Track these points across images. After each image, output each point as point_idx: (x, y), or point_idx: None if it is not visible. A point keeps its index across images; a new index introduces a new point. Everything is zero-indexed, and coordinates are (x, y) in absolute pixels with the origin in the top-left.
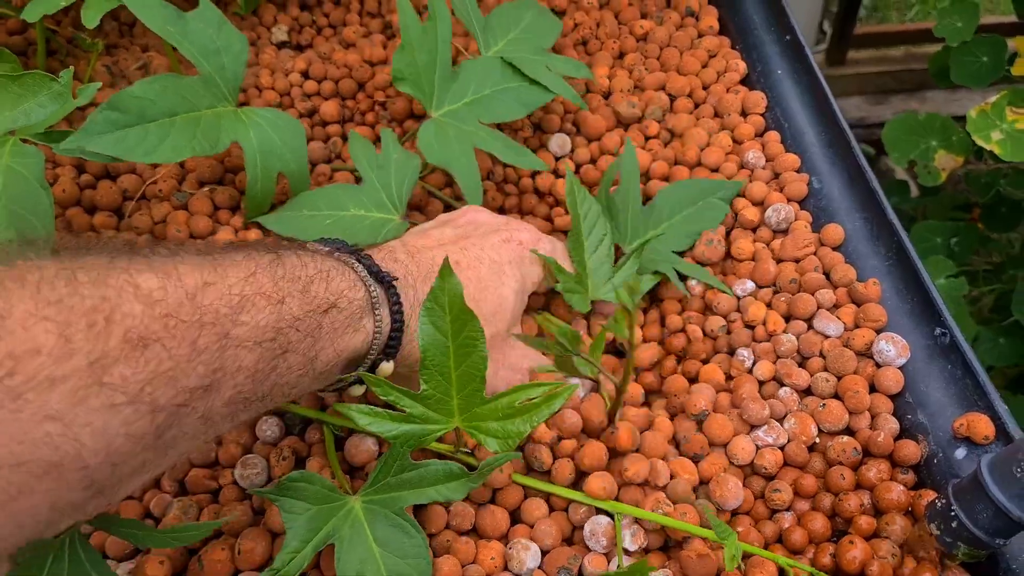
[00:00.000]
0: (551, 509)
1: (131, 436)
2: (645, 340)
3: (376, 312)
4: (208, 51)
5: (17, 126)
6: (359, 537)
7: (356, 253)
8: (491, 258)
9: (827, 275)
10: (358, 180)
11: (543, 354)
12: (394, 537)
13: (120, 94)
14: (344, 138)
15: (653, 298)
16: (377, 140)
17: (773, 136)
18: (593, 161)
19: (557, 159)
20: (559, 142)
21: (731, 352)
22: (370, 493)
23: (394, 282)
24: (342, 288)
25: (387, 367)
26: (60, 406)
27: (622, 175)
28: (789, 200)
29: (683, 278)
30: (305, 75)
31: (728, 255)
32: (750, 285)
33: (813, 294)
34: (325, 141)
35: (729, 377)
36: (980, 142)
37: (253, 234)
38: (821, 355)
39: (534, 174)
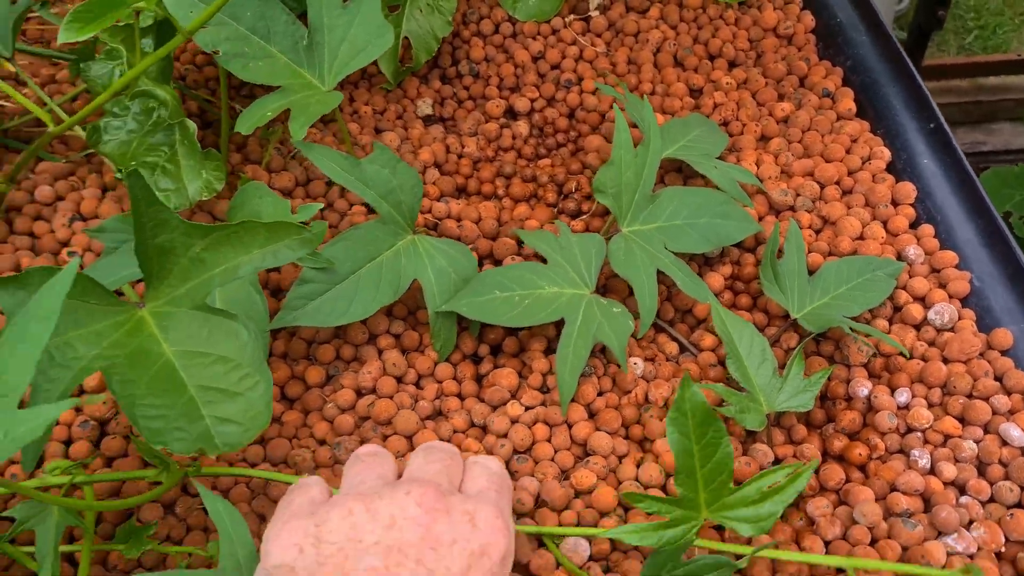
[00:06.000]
0: None
1: None
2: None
3: None
4: (385, 191)
5: (265, 266)
6: None
7: None
8: None
9: (998, 380)
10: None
11: None
12: None
13: (305, 271)
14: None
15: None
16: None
17: (927, 230)
18: (752, 250)
19: (707, 259)
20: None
21: (903, 452)
22: None
23: None
24: None
25: None
26: None
27: (787, 247)
28: (951, 298)
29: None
30: (460, 156)
31: (887, 355)
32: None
33: (988, 400)
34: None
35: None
36: None
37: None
38: (1001, 463)
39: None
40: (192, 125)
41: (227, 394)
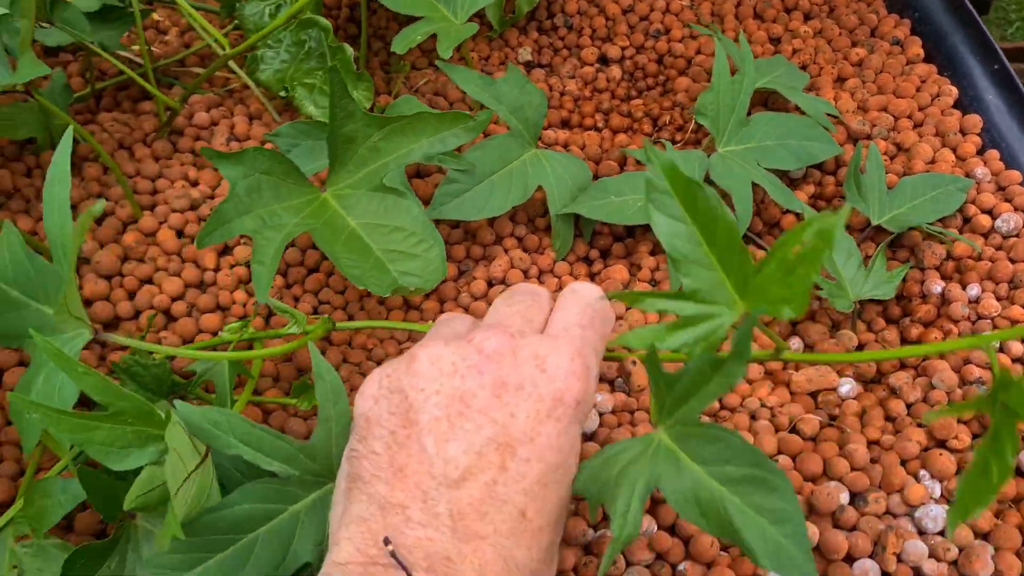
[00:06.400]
0: None
1: None
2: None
3: None
4: (514, 108)
5: (433, 152)
6: (678, 468)
7: None
8: (552, 465)
9: None
10: None
11: None
12: (708, 450)
13: (451, 172)
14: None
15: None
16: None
17: (993, 154)
18: (833, 172)
19: (791, 180)
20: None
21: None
22: (666, 420)
23: None
24: None
25: None
26: None
27: (868, 164)
28: (1016, 210)
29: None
30: (562, 94)
31: (958, 258)
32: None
33: None
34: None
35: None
36: None
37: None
38: None
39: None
40: (350, 49)
41: (407, 255)
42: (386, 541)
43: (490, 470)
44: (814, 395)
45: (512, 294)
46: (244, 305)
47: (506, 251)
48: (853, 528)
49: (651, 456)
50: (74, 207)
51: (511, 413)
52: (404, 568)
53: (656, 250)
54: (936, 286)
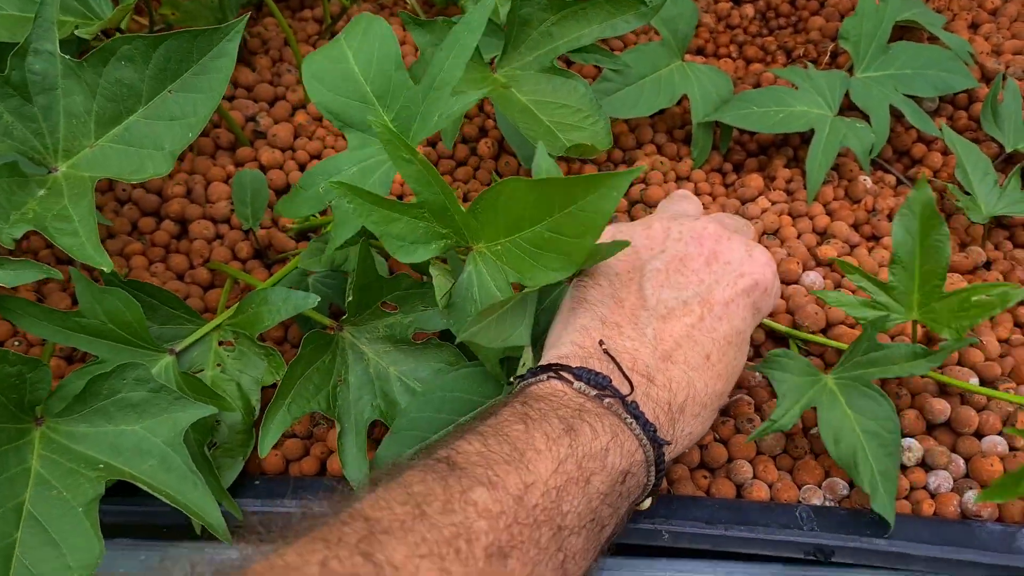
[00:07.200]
0: None
1: None
2: None
3: (649, 472)
4: (667, 17)
5: (603, 36)
6: (835, 405)
7: (627, 405)
8: (737, 329)
9: None
10: None
11: None
12: (865, 404)
13: (606, 72)
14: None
15: None
16: None
17: None
18: (966, 108)
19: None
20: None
21: None
22: (840, 372)
23: (664, 447)
24: (631, 451)
25: (645, 504)
26: None
27: (1006, 95)
28: None
29: None
30: (698, 25)
31: None
32: None
33: None
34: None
35: None
36: None
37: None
38: None
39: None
40: None
41: (574, 127)
42: (600, 342)
43: (690, 316)
44: None
45: (729, 215)
46: (402, 184)
47: (647, 156)
48: (983, 409)
49: (817, 389)
50: (249, 89)
51: (716, 280)
52: (613, 359)
53: (790, 163)
54: None
